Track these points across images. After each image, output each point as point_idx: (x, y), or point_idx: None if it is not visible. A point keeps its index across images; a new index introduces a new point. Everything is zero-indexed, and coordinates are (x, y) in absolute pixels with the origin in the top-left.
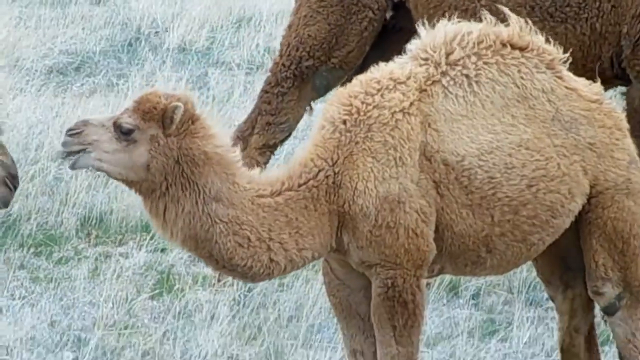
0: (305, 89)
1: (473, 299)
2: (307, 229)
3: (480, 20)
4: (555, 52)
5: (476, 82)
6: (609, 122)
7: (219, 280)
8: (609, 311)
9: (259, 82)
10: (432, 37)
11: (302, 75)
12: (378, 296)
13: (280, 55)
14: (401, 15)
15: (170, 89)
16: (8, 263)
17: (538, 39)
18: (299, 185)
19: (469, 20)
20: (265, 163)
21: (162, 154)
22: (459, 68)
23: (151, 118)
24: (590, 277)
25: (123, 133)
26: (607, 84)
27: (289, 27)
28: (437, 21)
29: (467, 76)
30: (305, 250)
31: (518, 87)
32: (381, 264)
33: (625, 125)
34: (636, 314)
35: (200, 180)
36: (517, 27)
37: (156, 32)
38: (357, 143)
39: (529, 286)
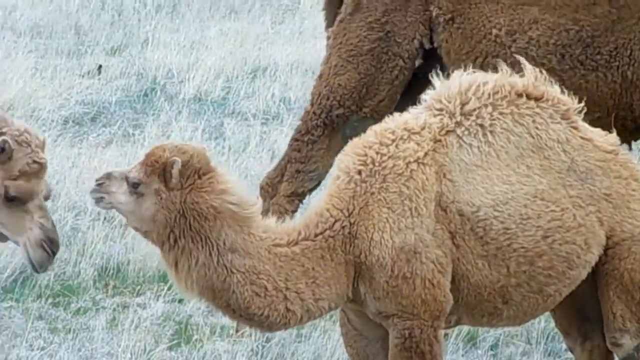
0: (335, 138)
1: (491, 349)
2: (323, 279)
3: (514, 66)
4: (570, 102)
5: (491, 132)
6: (625, 172)
7: (237, 331)
8: None
9: (274, 132)
10: (446, 87)
11: (333, 124)
12: (395, 347)
13: (311, 104)
14: (431, 64)
15: (186, 139)
16: (26, 314)
17: (553, 89)
18: (316, 235)
19: (501, 67)
20: (294, 211)
21: (165, 208)
22: (474, 118)
23: (153, 172)
24: (608, 329)
25: (132, 186)
26: (639, 132)
27: (320, 76)
28: (475, 67)
29: (481, 126)
30: (322, 300)
31: (533, 138)
32: (398, 314)
33: None
34: None
35: (213, 233)
36: (532, 77)
37: (172, 83)
38: (372, 194)
39: (548, 337)
